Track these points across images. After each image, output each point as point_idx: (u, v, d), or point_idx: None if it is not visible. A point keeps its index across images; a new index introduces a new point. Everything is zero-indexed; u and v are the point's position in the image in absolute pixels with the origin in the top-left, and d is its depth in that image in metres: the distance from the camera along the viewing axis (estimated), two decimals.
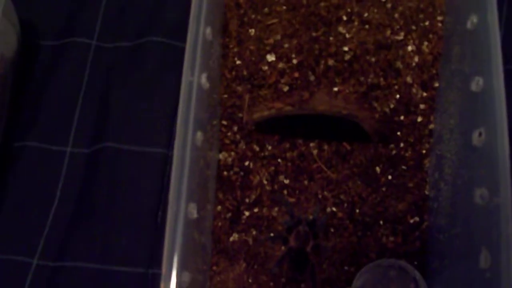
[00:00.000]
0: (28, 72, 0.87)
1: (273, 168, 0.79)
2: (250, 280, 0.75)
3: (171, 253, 0.60)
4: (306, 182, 0.78)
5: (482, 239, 0.62)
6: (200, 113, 0.66)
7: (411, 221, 0.77)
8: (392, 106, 0.79)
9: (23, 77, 0.87)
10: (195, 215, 0.64)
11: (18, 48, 0.84)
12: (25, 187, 0.82)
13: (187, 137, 0.63)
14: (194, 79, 0.65)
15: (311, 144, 0.80)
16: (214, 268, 0.75)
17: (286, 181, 0.79)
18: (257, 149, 0.80)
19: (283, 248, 0.74)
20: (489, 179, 0.62)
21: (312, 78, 0.78)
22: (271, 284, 0.74)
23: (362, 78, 0.79)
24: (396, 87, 0.80)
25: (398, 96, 0.80)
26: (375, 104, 0.78)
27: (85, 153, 0.83)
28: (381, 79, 0.79)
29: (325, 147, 0.80)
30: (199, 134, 0.65)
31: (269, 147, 0.80)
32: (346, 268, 0.75)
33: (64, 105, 0.86)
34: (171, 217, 0.61)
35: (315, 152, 0.79)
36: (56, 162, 0.83)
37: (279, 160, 0.79)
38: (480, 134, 0.65)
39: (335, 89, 0.78)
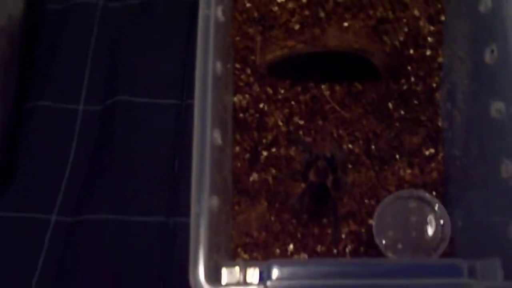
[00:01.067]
0: (37, 35, 0.88)
1: (287, 110, 0.80)
2: (272, 218, 0.76)
3: (200, 176, 0.60)
4: (320, 122, 0.80)
5: (501, 151, 0.64)
6: (217, 46, 0.67)
7: (427, 153, 0.79)
8: (401, 39, 0.81)
9: (32, 40, 0.87)
10: (219, 142, 0.65)
11: (26, 10, 0.85)
12: (40, 146, 0.83)
13: (208, 66, 0.64)
14: (211, 11, 0.66)
15: (323, 87, 0.81)
16: (236, 208, 0.76)
17: (301, 122, 0.80)
18: (271, 92, 0.81)
19: (303, 185, 0.76)
20: (504, 92, 0.64)
21: (322, 14, 0.80)
22: (294, 221, 0.76)
23: (371, 12, 0.80)
24: (404, 20, 0.82)
25: (406, 29, 0.82)
26: (385, 38, 0.80)
27: (97, 110, 0.84)
28: (389, 12, 0.81)
29: (337, 88, 0.81)
30: (218, 64, 0.66)
31: (282, 91, 0.81)
32: (366, 201, 0.77)
33: (74, 64, 0.87)
34: (197, 142, 0.61)
35: (327, 93, 0.81)
36: (70, 120, 0.84)
37: (292, 102, 0.81)
38: (492, 51, 0.67)
39: (345, 24, 0.79)
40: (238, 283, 0.59)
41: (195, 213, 0.59)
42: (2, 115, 0.79)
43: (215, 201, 0.61)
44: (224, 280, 0.59)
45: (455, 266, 0.60)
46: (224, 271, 0.59)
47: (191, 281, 0.57)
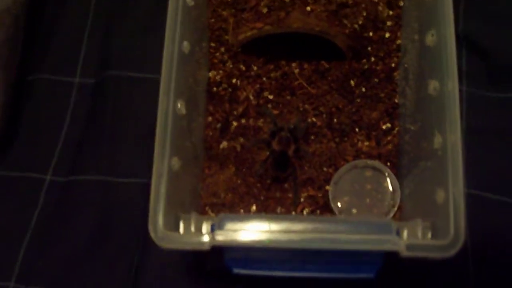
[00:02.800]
0: (39, 12, 0.97)
1: (258, 85, 0.88)
2: (239, 181, 0.83)
3: (162, 140, 0.69)
4: (288, 97, 0.87)
5: (435, 124, 0.71)
6: (185, 28, 0.75)
7: (384, 127, 0.85)
8: (360, 22, 0.88)
9: (34, 18, 0.96)
10: (183, 111, 0.73)
11: None
12: (39, 114, 0.92)
13: (174, 48, 0.72)
14: None
15: (293, 64, 0.89)
16: (206, 171, 0.84)
17: (271, 97, 0.87)
18: (244, 68, 0.88)
19: (267, 153, 0.84)
20: (439, 72, 0.71)
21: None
22: (258, 184, 0.83)
23: None
24: (363, 5, 0.88)
25: (365, 13, 0.88)
26: (345, 21, 0.86)
27: (91, 83, 0.93)
28: None
29: (306, 66, 0.88)
30: (185, 44, 0.74)
31: (255, 68, 0.89)
32: (325, 169, 0.84)
33: (72, 40, 0.96)
34: (161, 111, 0.69)
35: (296, 71, 0.88)
36: (66, 91, 0.92)
37: (264, 79, 0.88)
38: (432, 35, 0.74)
39: (308, 8, 0.86)
40: (191, 232, 0.68)
41: (157, 171, 0.68)
42: (7, 87, 0.88)
43: (176, 162, 0.70)
44: (180, 230, 0.68)
45: (386, 225, 0.67)
46: (181, 222, 0.69)
47: (150, 229, 0.66)
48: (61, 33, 0.96)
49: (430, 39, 0.74)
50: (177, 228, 0.69)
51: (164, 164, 0.68)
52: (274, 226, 0.67)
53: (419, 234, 0.67)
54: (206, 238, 0.65)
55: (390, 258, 0.66)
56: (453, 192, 0.65)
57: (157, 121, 0.70)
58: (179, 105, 0.72)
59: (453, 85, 0.69)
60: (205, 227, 0.69)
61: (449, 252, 0.64)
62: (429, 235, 0.68)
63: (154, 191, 0.67)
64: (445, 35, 0.71)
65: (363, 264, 0.70)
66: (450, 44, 0.70)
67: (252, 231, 0.66)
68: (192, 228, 0.69)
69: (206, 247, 0.65)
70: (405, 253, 0.64)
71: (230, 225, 0.67)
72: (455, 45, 0.70)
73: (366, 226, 0.68)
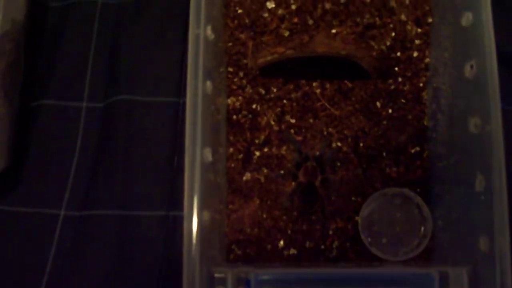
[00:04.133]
0: (38, 32, 0.90)
1: (279, 109, 0.83)
2: (264, 215, 0.80)
3: (191, 195, 0.65)
4: (311, 120, 0.83)
5: (477, 164, 0.67)
6: (208, 63, 0.70)
7: (412, 151, 0.82)
8: (388, 43, 0.83)
9: (34, 38, 0.90)
10: (210, 158, 0.69)
11: (28, 11, 0.87)
12: (46, 144, 0.87)
13: (198, 87, 0.67)
14: (200, 31, 0.68)
15: (314, 84, 0.84)
16: (230, 206, 0.81)
17: (292, 121, 0.83)
18: (263, 92, 0.84)
19: (293, 183, 0.80)
20: (481, 109, 0.67)
21: (310, 22, 0.82)
22: (284, 217, 0.80)
23: (358, 19, 0.82)
24: (391, 25, 0.83)
25: (393, 33, 0.83)
26: (372, 43, 0.82)
27: (100, 107, 0.87)
28: (377, 18, 0.83)
29: (328, 86, 0.84)
30: (208, 83, 0.69)
31: (274, 90, 0.84)
32: (353, 198, 0.81)
33: (76, 62, 0.89)
34: (189, 161, 0.65)
35: (318, 91, 0.84)
36: (74, 117, 0.87)
37: (284, 101, 0.83)
38: (471, 67, 0.69)
39: (333, 31, 0.81)
40: None
41: (188, 231, 0.64)
42: (11, 114, 0.83)
43: (206, 216, 0.66)
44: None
45: (428, 276, 0.65)
46: (216, 279, 0.66)
47: None
48: (64, 55, 0.90)
49: (468, 70, 0.70)
50: (212, 285, 0.66)
51: (194, 221, 0.64)
52: (311, 282, 0.65)
53: (465, 285, 0.65)
54: None
55: None
56: (499, 242, 0.63)
57: (184, 173, 0.66)
58: (206, 152, 0.68)
59: (497, 124, 0.65)
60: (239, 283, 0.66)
61: None
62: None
63: (187, 254, 0.63)
64: (486, 68, 0.66)
65: None
66: (492, 78, 0.66)
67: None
68: (229, 286, 0.66)
69: None
70: None
71: (265, 281, 0.65)
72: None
73: (406, 278, 0.65)
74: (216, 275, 0.66)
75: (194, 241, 0.64)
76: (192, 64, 0.68)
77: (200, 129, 0.66)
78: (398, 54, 0.83)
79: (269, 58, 0.79)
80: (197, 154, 0.66)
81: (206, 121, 0.68)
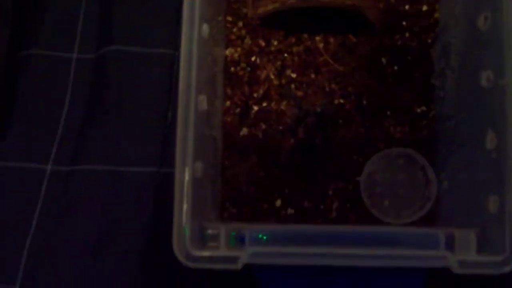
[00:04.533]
0: None
1: (280, 62, 0.80)
2: (261, 173, 0.77)
3: (184, 143, 0.61)
4: (313, 76, 0.79)
5: (488, 121, 0.63)
6: (204, 10, 0.66)
7: (418, 110, 0.78)
8: None
9: None
10: (205, 106, 0.65)
11: None
12: (34, 95, 0.83)
13: (193, 30, 0.63)
14: None
15: (317, 38, 0.80)
16: (226, 162, 0.77)
17: (293, 75, 0.79)
18: (263, 44, 0.80)
19: (292, 140, 0.76)
20: (494, 62, 0.63)
21: None
22: (282, 176, 0.77)
23: None
24: None
25: None
26: None
27: (91, 58, 0.83)
28: None
29: (331, 40, 0.80)
30: (205, 27, 0.65)
31: (275, 42, 0.80)
32: (355, 158, 0.77)
33: (67, 12, 0.85)
34: (182, 107, 0.61)
35: (321, 45, 0.80)
36: (64, 68, 0.83)
37: (285, 54, 0.80)
38: (485, 18, 0.65)
39: None
40: (220, 248, 0.61)
41: (179, 181, 0.60)
42: None
43: (198, 169, 0.63)
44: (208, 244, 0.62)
45: (433, 237, 0.61)
46: (208, 234, 0.62)
47: (176, 249, 0.59)
48: (55, 4, 0.85)
49: (482, 22, 0.65)
50: (203, 242, 0.62)
51: (186, 172, 0.60)
52: (308, 239, 0.61)
53: (473, 246, 0.61)
54: (238, 257, 0.59)
55: (438, 270, 0.61)
56: (510, 201, 0.59)
57: (177, 121, 0.62)
58: (200, 100, 0.64)
59: (511, 76, 0.61)
60: (234, 239, 0.62)
61: (503, 269, 0.59)
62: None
63: (178, 206, 0.60)
64: (502, 19, 0.62)
65: (406, 281, 0.65)
66: (507, 30, 0.62)
67: (286, 246, 0.60)
68: (222, 243, 0.62)
69: (239, 267, 0.59)
70: (457, 270, 0.59)
71: (261, 239, 0.61)
72: None
73: (411, 238, 0.62)
74: (209, 231, 0.62)
75: (185, 193, 0.60)
76: (187, 8, 0.64)
77: (195, 74, 0.62)
78: (407, 7, 0.80)
79: (270, 7, 0.75)
80: (191, 101, 0.62)
81: (202, 68, 0.64)
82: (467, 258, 0.60)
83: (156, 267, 0.76)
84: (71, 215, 0.77)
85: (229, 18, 0.80)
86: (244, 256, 0.59)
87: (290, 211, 0.76)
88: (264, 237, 0.62)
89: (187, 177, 0.60)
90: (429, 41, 0.79)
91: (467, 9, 0.71)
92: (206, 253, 0.60)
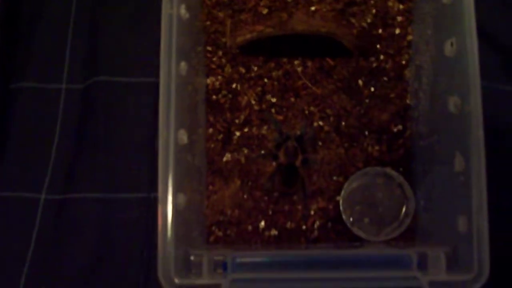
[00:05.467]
0: (16, 15, 0.88)
1: (260, 88, 0.82)
2: (245, 196, 0.79)
3: (165, 178, 0.64)
4: (292, 99, 0.82)
5: (456, 145, 0.66)
6: (183, 43, 0.69)
7: (395, 130, 0.81)
8: (369, 20, 0.82)
9: (11, 21, 0.88)
10: (185, 140, 0.68)
11: None
12: (26, 126, 0.85)
13: (171, 68, 0.66)
14: (173, 11, 0.67)
15: (296, 62, 0.83)
16: (210, 187, 0.80)
17: (273, 100, 0.82)
18: (243, 71, 0.82)
19: (274, 164, 0.79)
20: (460, 88, 0.66)
21: None
22: (265, 198, 0.79)
23: None
24: (372, 1, 0.81)
25: (374, 10, 0.82)
26: (353, 20, 0.80)
27: (79, 89, 0.86)
28: None
29: (309, 63, 0.82)
30: (182, 64, 0.68)
31: (255, 68, 0.83)
32: (335, 178, 0.80)
33: (55, 44, 0.88)
34: (162, 144, 0.64)
35: (299, 69, 0.82)
36: (53, 99, 0.86)
37: (265, 80, 0.82)
38: (451, 44, 0.68)
39: (313, 8, 0.80)
40: (204, 275, 0.65)
41: (163, 215, 0.64)
42: None
43: (181, 199, 0.66)
44: (192, 269, 0.66)
45: (406, 257, 0.65)
46: (192, 260, 0.66)
47: (161, 277, 0.63)
48: (42, 37, 0.88)
49: (449, 48, 0.68)
50: (188, 268, 0.65)
51: (169, 205, 0.64)
52: (289, 262, 0.65)
53: (443, 266, 0.65)
54: (220, 284, 0.62)
55: None
56: (477, 221, 0.62)
57: (158, 155, 0.65)
58: (180, 135, 0.67)
59: (476, 104, 0.64)
60: (217, 265, 0.66)
61: (472, 287, 0.62)
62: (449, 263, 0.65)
63: (162, 237, 0.63)
64: (466, 47, 0.65)
65: None
66: (472, 58, 0.65)
67: (266, 270, 0.64)
68: (204, 269, 0.65)
69: None
70: None
71: (242, 263, 0.64)
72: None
73: (385, 259, 0.65)
74: (192, 258, 0.66)
75: (169, 224, 0.63)
76: (164, 44, 0.67)
77: (174, 111, 0.65)
78: (380, 31, 0.82)
79: (248, 36, 0.77)
80: (171, 137, 0.65)
81: (181, 103, 0.67)
82: (438, 278, 0.63)
83: None
84: (65, 241, 0.81)
85: (209, 48, 0.83)
86: (226, 283, 0.62)
87: (273, 232, 0.78)
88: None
89: (169, 209, 0.64)
90: (403, 62, 0.82)
91: (436, 34, 0.73)
92: (189, 281, 0.63)
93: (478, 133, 0.63)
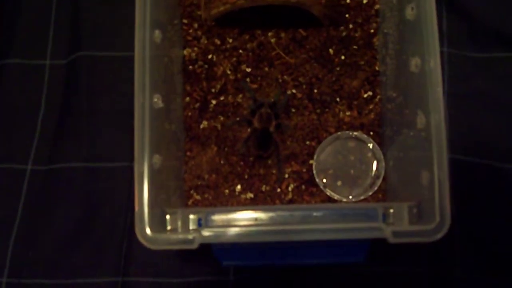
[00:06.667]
0: None
1: (235, 58, 0.85)
2: (222, 162, 0.83)
3: (141, 138, 0.67)
4: (267, 69, 0.85)
5: (417, 103, 0.69)
6: (156, 14, 0.72)
7: (365, 95, 0.84)
8: None
9: None
10: (160, 104, 0.71)
11: None
12: (12, 101, 0.89)
13: (145, 35, 0.69)
14: None
15: (269, 34, 0.86)
16: (188, 153, 0.83)
17: (248, 70, 0.85)
18: (219, 42, 0.86)
19: (248, 130, 0.82)
20: (421, 49, 0.69)
21: None
22: (241, 163, 0.83)
23: None
24: None
25: None
26: None
27: (63, 64, 0.89)
28: None
29: (282, 35, 0.86)
30: (157, 32, 0.71)
31: (230, 40, 0.86)
32: (308, 143, 0.83)
33: (38, 21, 0.91)
34: (138, 107, 0.68)
35: (273, 40, 0.86)
36: (38, 75, 0.89)
37: (240, 51, 0.85)
38: (412, 9, 0.71)
39: None
40: (178, 231, 0.68)
41: (138, 173, 0.67)
42: None
43: (157, 160, 0.69)
44: (167, 227, 0.69)
45: (372, 211, 0.68)
46: (168, 218, 0.69)
47: (137, 232, 0.65)
48: (26, 14, 0.92)
49: (410, 12, 0.72)
50: (164, 226, 0.69)
51: (145, 164, 0.67)
52: (261, 218, 0.68)
53: (405, 218, 0.68)
54: (193, 237, 0.65)
55: (379, 240, 0.67)
56: (438, 175, 0.65)
57: (134, 119, 0.68)
58: (155, 99, 0.70)
59: (435, 63, 0.67)
60: (192, 222, 0.69)
61: (434, 236, 0.65)
62: (414, 216, 0.69)
63: (138, 194, 0.66)
64: (425, 10, 0.69)
65: (352, 248, 0.71)
66: (431, 19, 0.68)
67: (239, 225, 0.67)
68: (179, 226, 0.68)
69: (195, 246, 0.65)
70: (392, 240, 0.65)
71: (216, 220, 0.67)
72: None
73: (353, 213, 0.68)
74: (168, 216, 0.69)
75: (145, 181, 0.66)
76: (139, 12, 0.70)
77: (148, 75, 0.68)
78: (348, 0, 0.86)
79: (222, 8, 0.80)
80: (146, 100, 0.68)
81: (156, 69, 0.70)
82: (401, 228, 0.66)
83: (134, 256, 0.83)
84: (51, 209, 0.84)
85: (185, 21, 0.86)
86: (199, 237, 0.65)
87: (249, 195, 0.82)
88: None
89: (145, 168, 0.67)
90: (372, 31, 0.85)
91: (400, 1, 0.77)
92: (165, 236, 0.67)
93: (437, 90, 0.66)
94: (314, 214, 0.68)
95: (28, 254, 0.83)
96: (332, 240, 0.67)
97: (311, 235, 0.65)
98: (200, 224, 0.68)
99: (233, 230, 0.66)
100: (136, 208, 0.66)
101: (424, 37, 0.68)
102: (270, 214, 0.68)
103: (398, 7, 0.77)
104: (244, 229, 0.66)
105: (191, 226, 0.69)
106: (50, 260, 0.83)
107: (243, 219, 0.68)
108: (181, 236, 0.66)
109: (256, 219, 0.68)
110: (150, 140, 0.67)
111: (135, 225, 0.66)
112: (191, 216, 0.69)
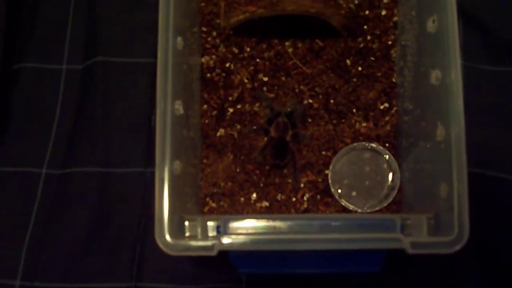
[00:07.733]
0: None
1: (252, 67, 0.86)
2: (238, 170, 0.83)
3: (162, 145, 0.67)
4: (283, 78, 0.85)
5: (437, 115, 0.70)
6: (179, 22, 0.72)
7: (382, 107, 0.84)
8: (356, 1, 0.86)
9: (13, 2, 0.91)
10: (181, 111, 0.72)
11: None
12: (28, 105, 0.89)
13: (169, 41, 0.70)
14: None
15: (286, 43, 0.86)
16: (205, 161, 0.83)
17: (265, 79, 0.85)
18: (236, 51, 0.86)
19: (265, 139, 0.83)
20: (441, 61, 0.69)
21: None
22: (257, 171, 0.83)
23: None
24: None
25: None
26: (340, 1, 0.84)
27: (79, 69, 0.89)
28: None
29: (300, 45, 0.86)
30: (179, 39, 0.72)
31: (248, 49, 0.86)
32: (324, 153, 0.83)
33: (56, 25, 0.91)
34: (160, 113, 0.68)
35: (290, 50, 0.86)
36: (54, 79, 0.89)
37: (257, 60, 0.86)
38: (433, 21, 0.72)
39: None
40: (198, 237, 0.68)
41: (159, 179, 0.67)
42: None
43: (177, 166, 0.69)
44: (186, 233, 0.69)
45: (390, 221, 0.68)
46: (186, 225, 0.69)
47: (157, 238, 0.66)
48: (43, 18, 0.92)
49: (431, 25, 0.72)
50: (182, 232, 0.69)
51: (165, 170, 0.67)
52: (279, 227, 0.68)
53: (424, 229, 0.68)
54: (212, 244, 0.65)
55: (395, 251, 0.67)
56: (458, 187, 0.66)
57: (156, 125, 0.68)
58: (177, 106, 0.70)
59: (456, 76, 0.68)
60: (211, 229, 0.69)
61: (453, 248, 0.65)
62: (431, 227, 0.69)
63: (158, 199, 0.66)
64: (447, 22, 0.69)
65: (368, 258, 0.71)
66: (452, 32, 0.69)
67: (258, 232, 0.67)
68: (199, 232, 0.69)
69: (214, 253, 0.65)
70: (410, 250, 0.65)
71: (235, 227, 0.68)
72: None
73: (371, 223, 0.68)
74: (186, 222, 0.69)
75: (165, 187, 0.66)
76: (162, 19, 0.70)
77: (171, 81, 0.69)
78: (367, 12, 0.86)
79: (241, 17, 0.81)
80: (168, 107, 0.68)
81: (177, 76, 0.71)
82: (419, 239, 0.67)
83: (147, 260, 0.82)
84: (65, 213, 0.84)
85: (204, 29, 0.86)
86: (218, 244, 0.65)
87: (265, 203, 0.82)
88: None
89: (166, 174, 0.67)
90: (390, 42, 0.85)
91: (420, 13, 0.77)
92: (184, 242, 0.67)
93: (458, 102, 0.67)
94: (333, 223, 0.68)
95: (41, 258, 0.83)
96: (349, 250, 0.68)
97: (331, 245, 0.65)
98: (219, 231, 0.68)
99: (253, 238, 0.66)
100: (157, 215, 0.66)
101: (446, 50, 0.68)
102: (289, 223, 0.68)
103: (418, 20, 0.78)
104: (263, 237, 0.66)
105: (210, 233, 0.69)
106: (63, 264, 0.82)
107: (261, 227, 0.68)
108: (200, 243, 0.66)
109: (275, 228, 0.68)
110: (172, 146, 0.68)
111: (155, 230, 0.66)
112: (210, 223, 0.69)
